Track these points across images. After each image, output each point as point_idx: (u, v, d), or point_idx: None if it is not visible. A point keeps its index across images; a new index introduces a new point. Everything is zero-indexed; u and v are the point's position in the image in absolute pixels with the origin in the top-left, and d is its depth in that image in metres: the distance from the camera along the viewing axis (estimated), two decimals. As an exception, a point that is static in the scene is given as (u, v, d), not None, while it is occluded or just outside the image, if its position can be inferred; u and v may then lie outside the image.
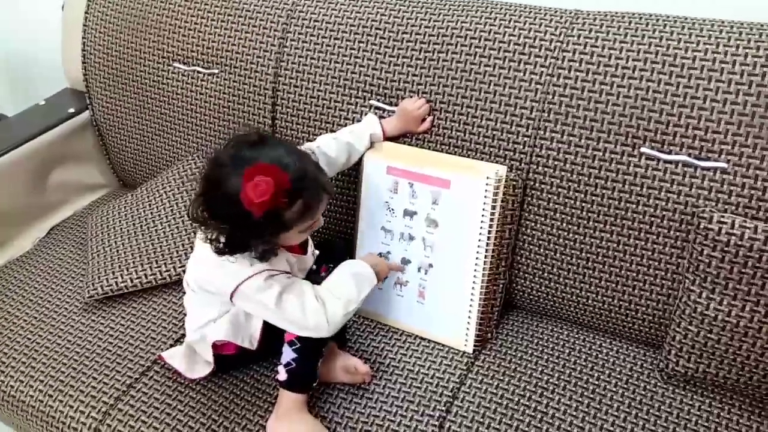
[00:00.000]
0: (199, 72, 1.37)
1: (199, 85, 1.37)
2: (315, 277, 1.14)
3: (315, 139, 1.16)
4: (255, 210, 0.84)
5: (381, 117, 1.18)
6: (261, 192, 0.83)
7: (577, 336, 1.15)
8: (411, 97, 1.16)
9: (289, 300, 0.95)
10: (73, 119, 1.56)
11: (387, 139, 1.17)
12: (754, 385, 0.99)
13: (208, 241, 0.93)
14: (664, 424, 0.99)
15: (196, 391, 1.07)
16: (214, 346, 1.03)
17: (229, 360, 1.07)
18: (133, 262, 1.27)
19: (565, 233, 1.10)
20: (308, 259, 1.09)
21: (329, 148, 1.12)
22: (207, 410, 1.04)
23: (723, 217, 0.94)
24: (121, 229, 1.36)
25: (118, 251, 1.30)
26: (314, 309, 0.95)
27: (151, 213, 1.36)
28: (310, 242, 1.11)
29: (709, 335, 0.98)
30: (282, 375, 0.99)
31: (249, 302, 0.97)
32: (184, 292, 1.08)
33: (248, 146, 0.91)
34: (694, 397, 1.03)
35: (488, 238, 1.09)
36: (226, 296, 0.96)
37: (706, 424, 0.99)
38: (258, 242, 0.91)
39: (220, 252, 0.92)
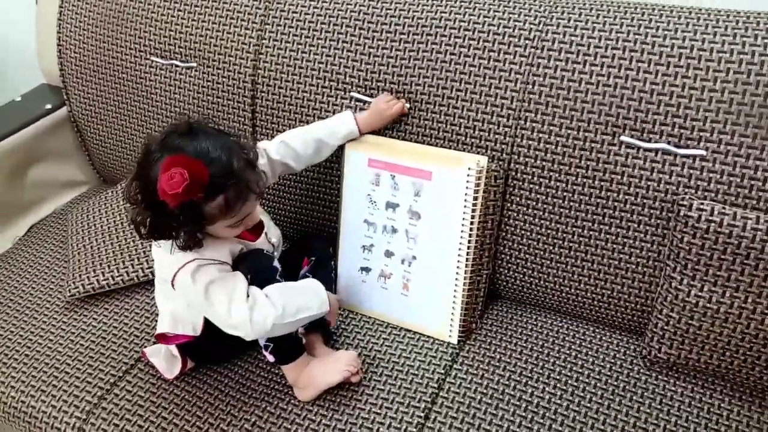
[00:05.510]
0: (177, 66, 1.35)
1: (177, 79, 1.36)
2: (296, 270, 1.13)
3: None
4: (168, 201, 0.84)
5: (361, 109, 1.17)
6: (174, 184, 0.82)
7: (560, 324, 1.16)
8: (390, 89, 1.15)
9: (215, 293, 0.92)
10: (50, 115, 1.54)
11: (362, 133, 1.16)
12: (734, 370, 1.00)
13: (131, 221, 0.92)
14: (648, 410, 1.00)
15: (181, 388, 1.07)
16: (176, 337, 1.03)
17: (202, 351, 1.06)
18: (115, 260, 1.26)
19: (547, 223, 1.10)
20: (259, 245, 1.04)
21: (294, 141, 1.11)
22: (192, 407, 1.04)
23: (702, 204, 0.95)
24: (102, 226, 1.34)
25: (99, 248, 1.29)
26: (240, 306, 0.91)
27: (132, 209, 1.35)
28: (273, 228, 1.10)
29: (690, 321, 0.99)
30: (270, 358, 1.01)
31: (184, 290, 0.95)
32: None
33: (179, 135, 0.89)
34: (677, 382, 1.04)
35: (471, 229, 1.09)
36: (169, 284, 0.95)
37: (688, 409, 1.00)
38: (180, 231, 0.90)
39: (145, 236, 0.92)
